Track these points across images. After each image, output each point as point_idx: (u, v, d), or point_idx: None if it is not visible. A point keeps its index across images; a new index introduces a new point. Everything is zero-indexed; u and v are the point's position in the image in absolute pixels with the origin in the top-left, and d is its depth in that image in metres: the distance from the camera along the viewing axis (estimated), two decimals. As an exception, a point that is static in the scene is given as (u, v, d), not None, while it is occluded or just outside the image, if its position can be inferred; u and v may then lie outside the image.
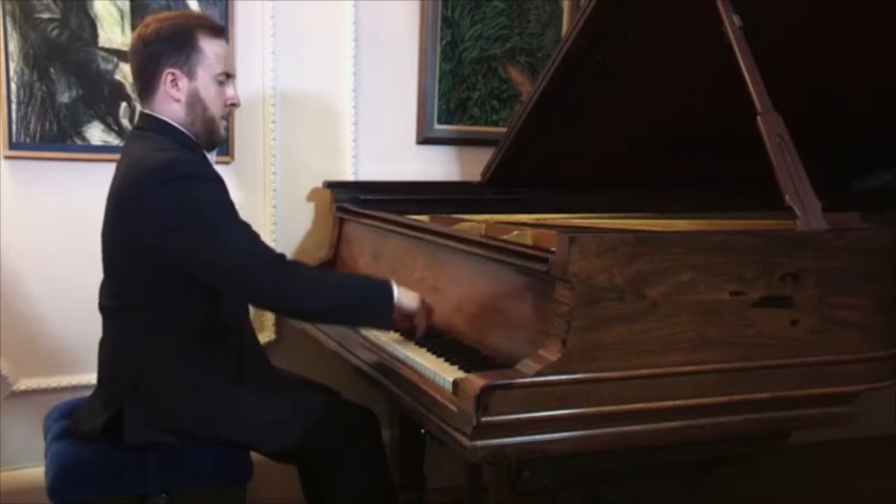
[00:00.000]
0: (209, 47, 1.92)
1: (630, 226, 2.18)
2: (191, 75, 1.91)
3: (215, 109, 1.95)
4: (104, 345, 1.96)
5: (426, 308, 1.92)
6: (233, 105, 2.00)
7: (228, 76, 1.97)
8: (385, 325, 1.88)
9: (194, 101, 1.92)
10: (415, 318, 1.90)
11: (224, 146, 2.57)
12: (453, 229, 2.11)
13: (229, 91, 1.98)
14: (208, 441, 1.87)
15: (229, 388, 1.89)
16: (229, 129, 2.53)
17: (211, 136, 1.97)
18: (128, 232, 1.84)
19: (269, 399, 1.92)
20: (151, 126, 1.93)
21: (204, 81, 1.92)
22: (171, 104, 1.92)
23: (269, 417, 1.90)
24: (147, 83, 1.92)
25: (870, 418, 1.90)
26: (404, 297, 1.88)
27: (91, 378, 1.96)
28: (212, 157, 2.02)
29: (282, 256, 1.87)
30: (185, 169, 1.80)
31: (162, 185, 1.77)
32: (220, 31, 1.98)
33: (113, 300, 1.92)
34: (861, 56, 2.27)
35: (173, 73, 1.90)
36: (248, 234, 1.84)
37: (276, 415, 1.90)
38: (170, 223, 1.77)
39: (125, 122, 2.48)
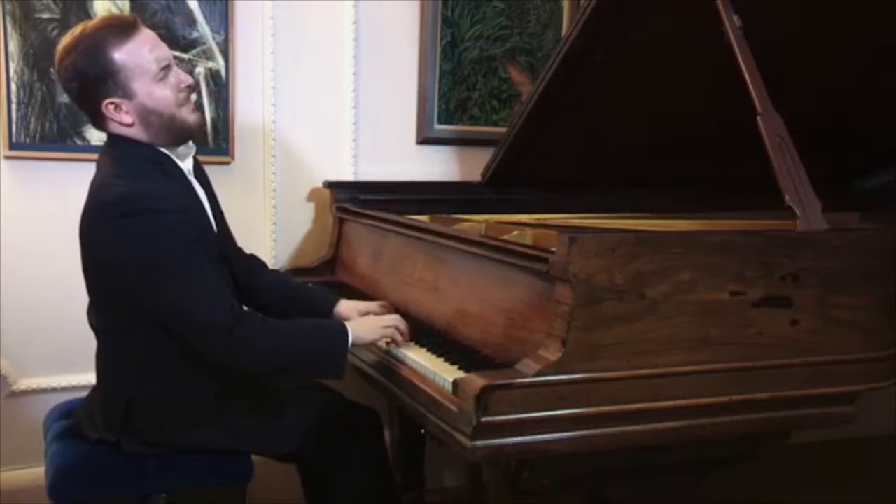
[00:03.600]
0: (128, 55, 1.72)
1: (630, 226, 2.19)
2: (129, 95, 1.74)
3: (170, 108, 1.78)
4: (98, 359, 1.93)
5: (390, 325, 1.84)
6: (188, 87, 1.82)
7: (167, 67, 1.77)
8: (336, 377, 1.78)
9: (146, 115, 1.77)
10: (388, 339, 1.85)
11: (225, 145, 2.58)
12: (453, 229, 2.11)
13: (176, 78, 1.79)
14: (209, 451, 1.87)
15: (224, 401, 1.86)
16: (222, 117, 2.54)
17: (179, 134, 1.83)
18: (94, 262, 1.80)
19: (267, 405, 1.90)
20: (117, 144, 1.82)
21: (145, 91, 1.75)
22: (124, 129, 1.79)
23: (268, 425, 1.88)
24: (92, 117, 1.81)
25: (870, 418, 1.90)
26: (360, 333, 1.80)
27: (91, 378, 1.96)
28: (190, 149, 1.90)
29: (238, 312, 1.73)
30: (140, 203, 1.68)
31: (115, 220, 1.68)
32: (131, 27, 1.75)
33: (98, 322, 1.88)
34: (861, 56, 2.27)
35: (113, 102, 1.75)
36: (205, 282, 1.72)
37: (274, 421, 1.89)
38: (127, 262, 1.69)
39: (125, 122, 2.48)
